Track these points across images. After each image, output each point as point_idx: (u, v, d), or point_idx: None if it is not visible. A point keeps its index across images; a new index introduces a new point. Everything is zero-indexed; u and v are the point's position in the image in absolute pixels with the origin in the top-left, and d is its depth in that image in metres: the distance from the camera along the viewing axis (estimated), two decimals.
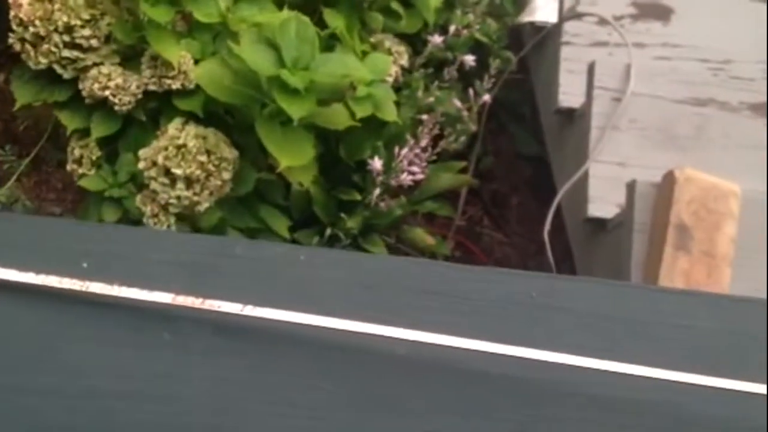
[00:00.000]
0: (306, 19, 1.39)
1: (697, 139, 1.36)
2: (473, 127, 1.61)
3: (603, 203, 1.32)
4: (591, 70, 1.41)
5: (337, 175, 1.61)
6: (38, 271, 0.36)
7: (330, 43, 1.56)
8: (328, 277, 0.37)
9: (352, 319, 0.34)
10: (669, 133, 1.37)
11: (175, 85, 1.39)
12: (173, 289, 0.37)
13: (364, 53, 1.59)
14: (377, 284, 0.37)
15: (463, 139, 1.66)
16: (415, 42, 1.75)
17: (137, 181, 1.42)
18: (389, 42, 1.65)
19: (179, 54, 1.38)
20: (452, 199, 1.81)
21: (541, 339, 0.36)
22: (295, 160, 1.40)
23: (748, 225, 1.13)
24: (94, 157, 1.43)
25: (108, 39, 1.41)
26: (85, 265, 0.37)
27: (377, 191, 1.50)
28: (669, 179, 1.14)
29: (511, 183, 1.91)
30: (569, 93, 1.51)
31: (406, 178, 1.51)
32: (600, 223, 1.34)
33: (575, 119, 1.50)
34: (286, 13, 1.40)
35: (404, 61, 1.65)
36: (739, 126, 1.40)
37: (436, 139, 1.59)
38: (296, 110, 1.32)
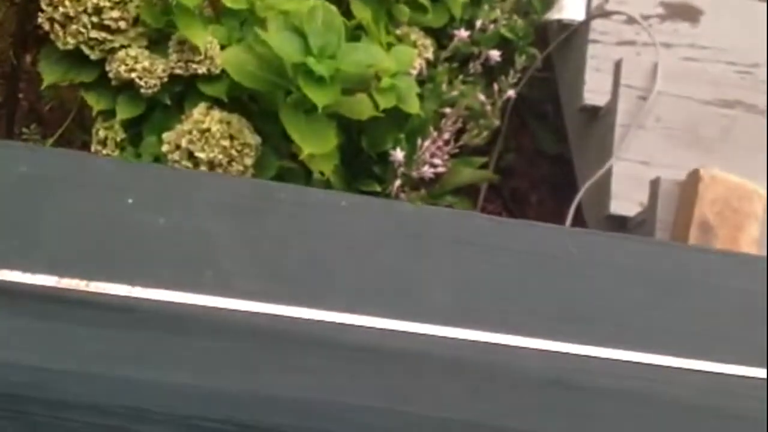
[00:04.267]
0: (333, 8, 1.40)
1: (723, 141, 1.36)
2: (496, 123, 1.61)
3: (625, 201, 1.31)
4: (618, 67, 1.41)
5: (358, 165, 1.61)
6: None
7: (356, 33, 1.57)
8: (369, 224, 0.37)
9: (391, 264, 0.35)
10: (694, 133, 1.36)
11: (201, 70, 1.40)
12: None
13: (390, 45, 1.60)
14: (417, 233, 0.38)
15: (485, 134, 1.66)
16: (440, 36, 1.75)
17: (160, 164, 1.42)
18: (415, 35, 1.65)
19: (206, 39, 1.38)
20: (472, 194, 1.81)
21: (581, 291, 0.36)
22: (317, 148, 1.40)
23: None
24: (118, 139, 1.43)
25: (136, 21, 1.41)
26: (130, 201, 0.37)
27: (397, 183, 1.50)
28: (694, 178, 1.14)
29: (531, 180, 1.90)
30: (595, 91, 1.50)
31: (427, 171, 1.51)
32: (621, 221, 1.34)
33: (600, 117, 1.49)
34: (313, 1, 1.41)
35: (429, 54, 1.65)
36: (765, 129, 1.39)
37: (458, 134, 1.59)
38: (321, 98, 1.33)
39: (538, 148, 1.92)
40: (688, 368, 0.31)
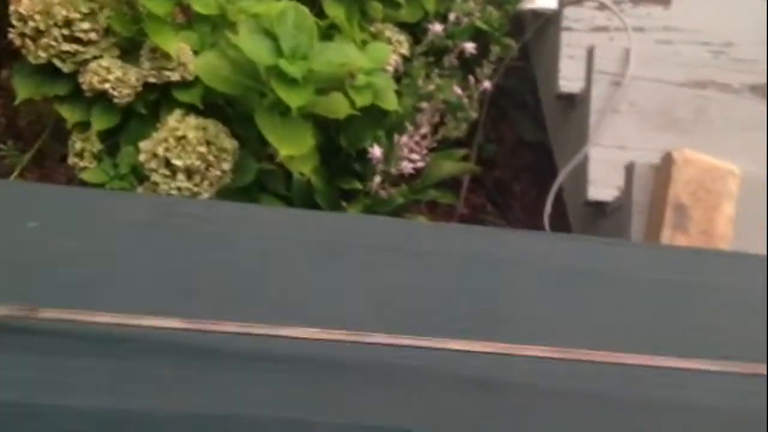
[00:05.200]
0: (304, 8, 1.39)
1: (698, 122, 1.36)
2: (474, 115, 1.61)
3: (603, 186, 1.32)
4: (590, 54, 1.41)
5: (338, 164, 1.62)
6: None
7: (329, 33, 1.57)
8: (284, 234, 0.37)
9: (308, 273, 0.35)
10: (669, 116, 1.36)
11: (175, 77, 1.40)
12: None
13: (364, 43, 1.60)
14: (335, 241, 0.37)
15: (464, 127, 1.66)
16: (416, 31, 1.75)
17: (138, 173, 1.42)
18: (389, 31, 1.65)
19: (178, 46, 1.39)
20: (455, 187, 1.81)
21: (502, 291, 0.36)
22: (294, 149, 1.40)
23: (746, 205, 1.13)
24: (95, 150, 1.44)
25: (107, 32, 1.41)
26: (33, 224, 0.37)
27: (378, 179, 1.50)
28: (667, 161, 1.14)
29: (513, 170, 1.90)
30: (570, 78, 1.50)
31: (406, 166, 1.51)
32: (600, 207, 1.34)
33: (576, 104, 1.49)
34: (284, 3, 1.41)
35: (404, 50, 1.65)
36: (740, 108, 1.39)
37: (437, 127, 1.59)
38: (295, 99, 1.33)
39: (520, 138, 1.92)
40: (608, 362, 0.31)
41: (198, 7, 1.41)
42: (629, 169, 1.21)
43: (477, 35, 1.75)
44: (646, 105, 1.37)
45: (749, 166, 1.23)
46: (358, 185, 1.56)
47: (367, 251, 0.36)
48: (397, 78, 1.65)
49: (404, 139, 1.46)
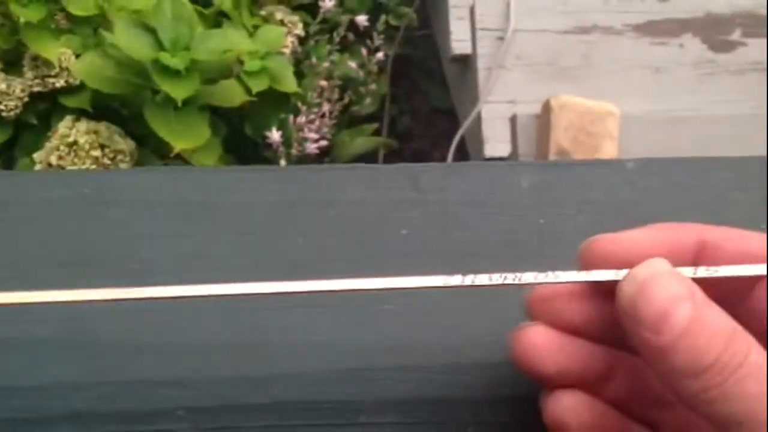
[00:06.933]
0: None
1: (585, 68, 1.36)
2: (373, 87, 1.60)
3: (497, 142, 1.31)
4: (472, 12, 1.40)
5: (248, 153, 1.61)
6: None
7: (218, 20, 1.55)
8: None
9: None
10: (556, 65, 1.36)
11: (59, 83, 1.38)
12: None
13: (256, 27, 1.59)
14: None
15: (369, 101, 1.65)
16: (314, 10, 1.74)
17: None
18: (281, 13, 1.64)
19: (58, 51, 1.37)
20: (373, 163, 1.80)
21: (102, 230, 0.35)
22: (190, 142, 1.39)
23: (629, 144, 1.13)
24: None
25: None
26: None
27: (283, 163, 1.49)
28: (546, 108, 1.14)
29: (430, 139, 1.90)
30: (461, 40, 1.49)
31: (311, 147, 1.50)
32: None
33: (469, 65, 1.49)
34: None
35: (299, 30, 1.64)
36: (623, 49, 1.39)
37: (337, 104, 1.58)
38: (179, 92, 1.32)
39: (433, 106, 1.91)
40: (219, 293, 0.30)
41: (73, 10, 1.39)
42: (513, 122, 1.21)
43: (375, 8, 1.74)
44: (532, 57, 1.37)
45: (636, 105, 1.23)
46: None
47: None
48: (299, 60, 1.64)
49: (300, 119, 1.46)
